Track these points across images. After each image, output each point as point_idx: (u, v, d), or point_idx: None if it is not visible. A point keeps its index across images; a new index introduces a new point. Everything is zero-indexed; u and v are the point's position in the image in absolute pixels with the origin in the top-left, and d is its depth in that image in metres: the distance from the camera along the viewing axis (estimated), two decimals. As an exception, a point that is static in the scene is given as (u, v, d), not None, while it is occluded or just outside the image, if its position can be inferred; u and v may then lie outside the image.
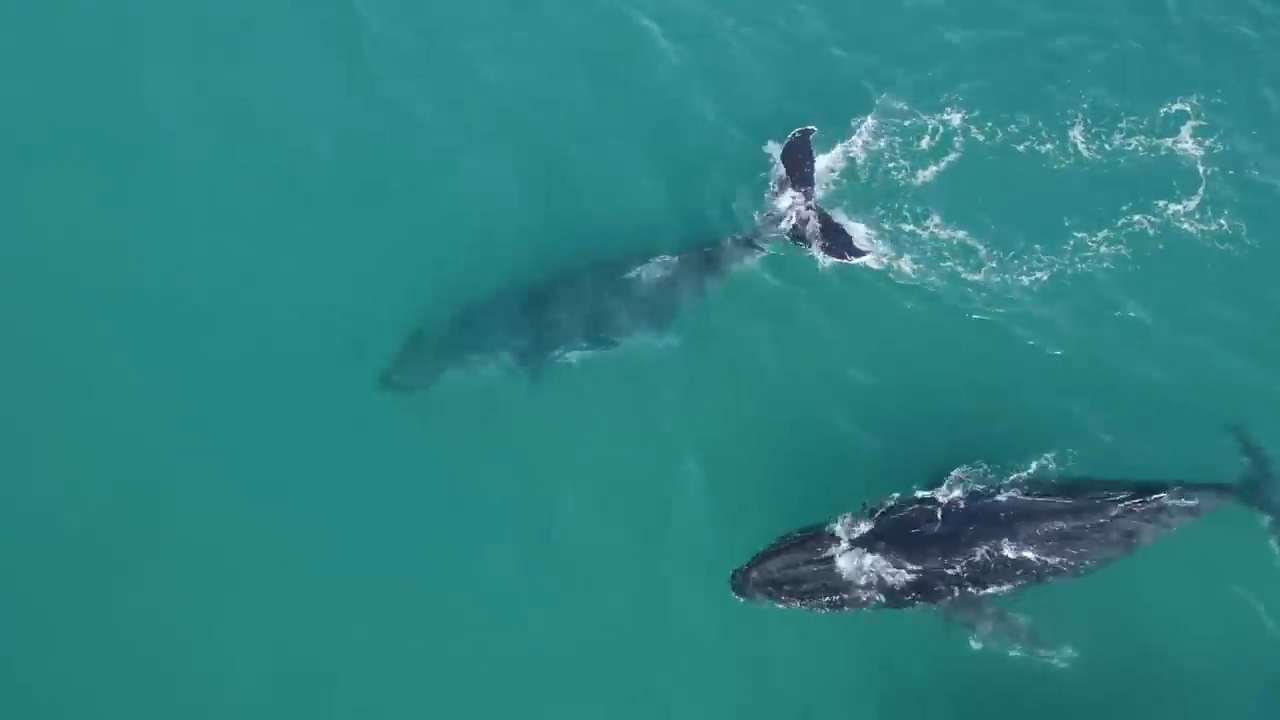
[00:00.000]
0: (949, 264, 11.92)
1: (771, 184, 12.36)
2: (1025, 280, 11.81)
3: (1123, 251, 11.94)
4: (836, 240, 11.97)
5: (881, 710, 10.20)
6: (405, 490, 11.24)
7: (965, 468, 10.53)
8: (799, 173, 12.23)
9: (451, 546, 10.97)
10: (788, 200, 12.18)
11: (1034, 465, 10.59)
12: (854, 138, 12.60)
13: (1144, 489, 10.26)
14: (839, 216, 12.17)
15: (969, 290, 11.81)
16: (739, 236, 12.21)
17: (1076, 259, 11.92)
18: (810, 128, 12.42)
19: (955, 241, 12.02)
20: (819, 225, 12.03)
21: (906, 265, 11.92)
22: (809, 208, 12.10)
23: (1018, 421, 11.16)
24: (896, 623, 10.21)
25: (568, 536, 10.96)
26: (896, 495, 10.32)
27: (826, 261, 11.94)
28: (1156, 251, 11.95)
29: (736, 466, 11.19)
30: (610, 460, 11.31)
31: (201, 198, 12.68)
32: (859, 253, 11.89)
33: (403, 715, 10.43)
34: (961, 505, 10.19)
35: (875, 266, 11.91)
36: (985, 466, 10.52)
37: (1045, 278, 11.81)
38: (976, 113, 12.71)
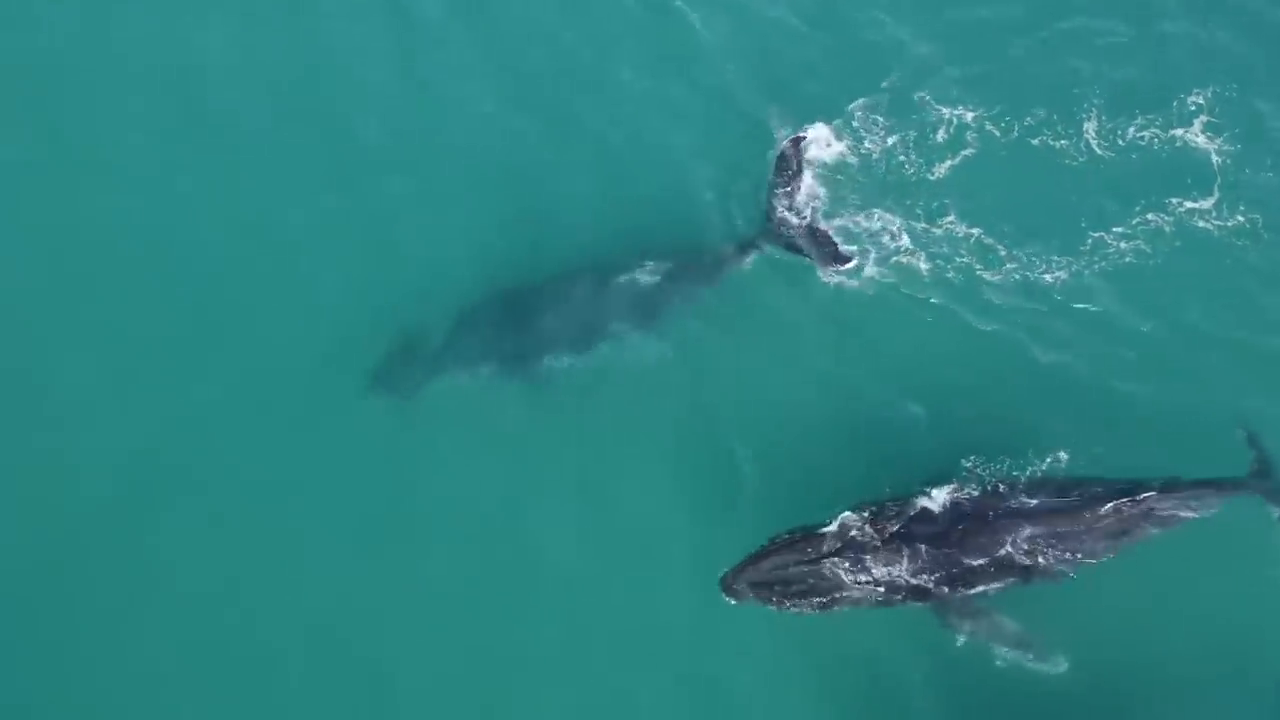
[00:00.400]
0: (965, 260, 11.81)
1: (769, 187, 12.20)
2: (1047, 279, 11.73)
3: (1142, 247, 11.81)
4: (824, 247, 11.86)
5: (879, 710, 10.24)
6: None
7: (975, 460, 10.51)
8: (791, 178, 12.11)
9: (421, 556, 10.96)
10: (782, 205, 12.04)
11: (1047, 461, 10.54)
12: (866, 133, 12.45)
13: (1155, 485, 10.22)
14: (851, 214, 12.06)
15: (984, 288, 11.73)
16: (735, 240, 12.11)
17: (1096, 257, 11.80)
18: (802, 134, 12.30)
19: (972, 239, 11.90)
20: (808, 231, 11.92)
21: (921, 263, 11.81)
22: (800, 213, 11.98)
23: (1031, 419, 11.10)
24: (891, 623, 10.22)
25: (556, 541, 10.94)
26: (898, 495, 10.30)
27: (824, 267, 11.83)
28: (1174, 248, 11.83)
29: (737, 468, 11.17)
30: (604, 466, 11.26)
31: (216, 186, 12.65)
32: (845, 259, 11.79)
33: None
34: (960, 504, 10.16)
35: (872, 274, 11.81)
36: (990, 464, 10.49)
37: (1065, 276, 11.73)
38: (996, 109, 12.54)
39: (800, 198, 12.05)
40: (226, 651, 10.53)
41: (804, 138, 12.26)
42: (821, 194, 12.18)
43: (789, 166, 12.13)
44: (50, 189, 12.60)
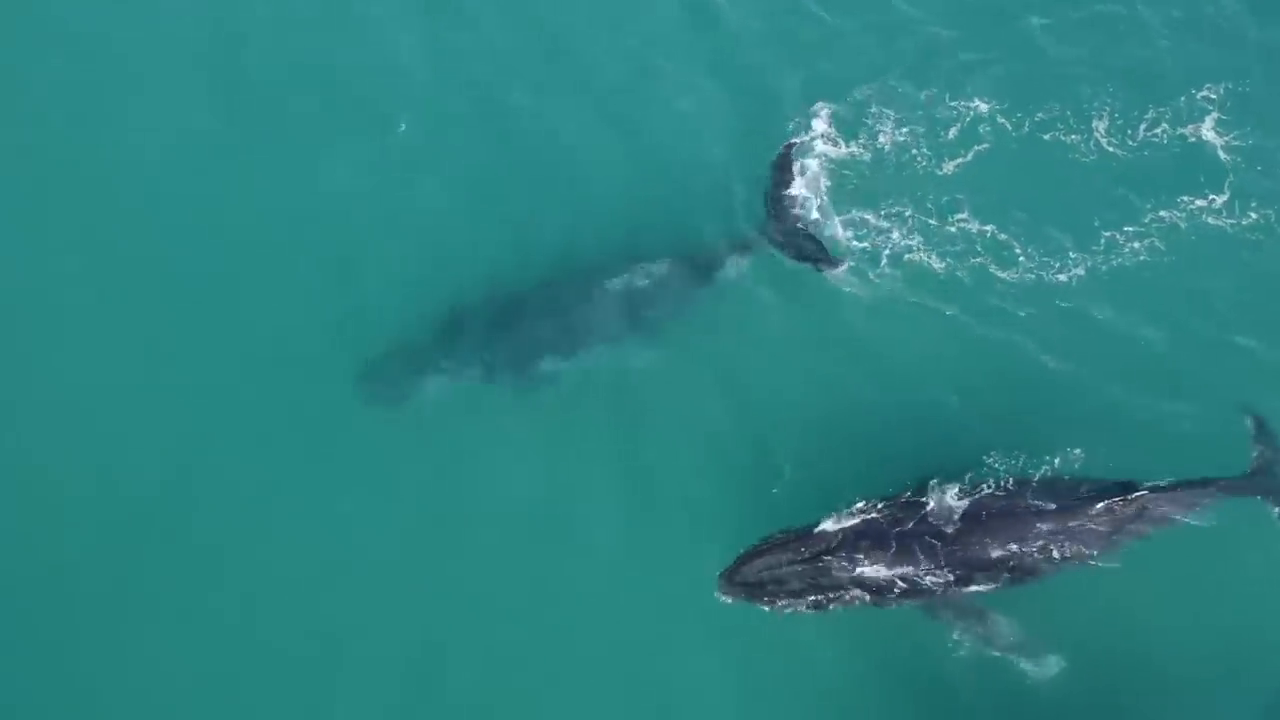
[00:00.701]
0: (978, 259, 11.80)
1: (774, 186, 12.23)
2: (1061, 277, 11.73)
3: (1156, 244, 11.81)
4: (822, 248, 11.90)
5: (875, 710, 10.31)
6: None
7: (990, 456, 10.56)
8: (784, 182, 12.15)
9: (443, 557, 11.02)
10: (786, 205, 12.09)
11: (1056, 461, 10.55)
12: (880, 128, 12.44)
13: (1152, 484, 10.25)
14: (862, 210, 12.06)
15: (997, 286, 11.72)
16: (742, 239, 12.13)
17: (1111, 255, 11.80)
18: (793, 140, 12.32)
19: (986, 236, 11.89)
20: (810, 232, 11.97)
21: (934, 260, 11.80)
22: (804, 213, 12.03)
23: (1041, 419, 11.13)
24: (885, 622, 10.27)
25: (577, 542, 11.00)
26: (897, 493, 10.35)
27: (826, 269, 11.84)
28: (1187, 245, 11.82)
29: (734, 469, 11.24)
30: (621, 466, 11.30)
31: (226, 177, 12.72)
32: (836, 264, 11.82)
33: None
34: (959, 504, 10.19)
35: (884, 271, 11.82)
36: (998, 463, 10.54)
37: (1081, 273, 11.73)
38: (1008, 103, 12.50)
39: (804, 196, 12.08)
40: (260, 657, 10.59)
41: (813, 135, 12.28)
42: (829, 191, 12.16)
43: (795, 165, 12.16)
44: (66, 182, 12.65)
